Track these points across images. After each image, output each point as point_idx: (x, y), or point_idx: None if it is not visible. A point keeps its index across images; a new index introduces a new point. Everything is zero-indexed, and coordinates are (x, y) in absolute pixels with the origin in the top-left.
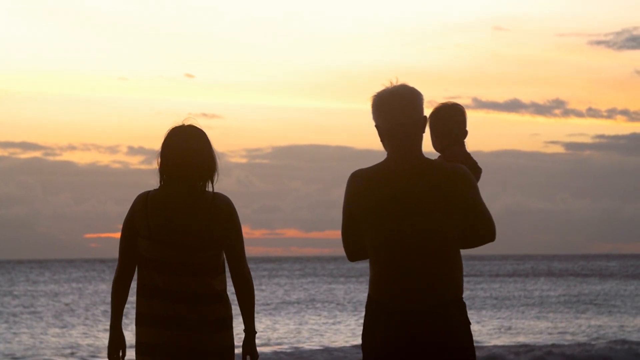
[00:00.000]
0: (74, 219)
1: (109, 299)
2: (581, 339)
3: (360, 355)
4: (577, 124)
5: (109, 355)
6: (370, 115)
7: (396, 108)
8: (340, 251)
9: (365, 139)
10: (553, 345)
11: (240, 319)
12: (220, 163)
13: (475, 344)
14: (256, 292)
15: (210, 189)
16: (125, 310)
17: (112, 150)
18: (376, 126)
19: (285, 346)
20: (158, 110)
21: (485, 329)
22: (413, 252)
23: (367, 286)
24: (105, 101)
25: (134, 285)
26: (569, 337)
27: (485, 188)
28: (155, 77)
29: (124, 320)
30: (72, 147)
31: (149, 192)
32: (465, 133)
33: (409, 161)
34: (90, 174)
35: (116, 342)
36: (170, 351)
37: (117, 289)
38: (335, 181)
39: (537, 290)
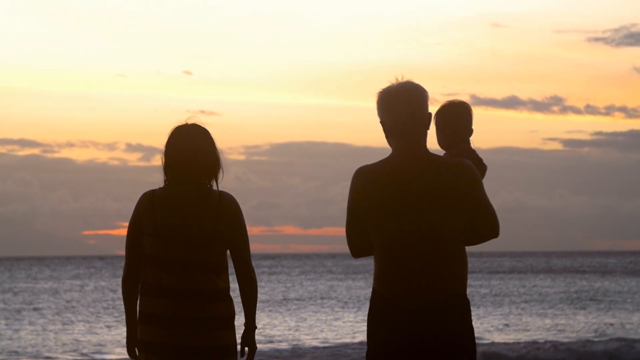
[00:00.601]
0: (72, 216)
1: (109, 296)
2: (580, 335)
3: (361, 352)
4: (575, 121)
5: (129, 353)
6: (369, 112)
7: (401, 104)
8: (339, 248)
9: (363, 136)
10: (552, 341)
11: (241, 318)
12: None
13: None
14: None
15: (215, 188)
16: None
17: (110, 147)
18: (381, 122)
19: (285, 343)
20: (156, 108)
21: (483, 326)
22: (418, 248)
23: (366, 283)
24: (103, 98)
25: None
26: (568, 333)
27: (484, 185)
28: (154, 74)
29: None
30: (70, 144)
31: (154, 190)
32: (471, 131)
33: (414, 157)
34: (88, 171)
35: (134, 340)
36: (173, 349)
37: (128, 288)
38: (334, 178)
39: (536, 287)
